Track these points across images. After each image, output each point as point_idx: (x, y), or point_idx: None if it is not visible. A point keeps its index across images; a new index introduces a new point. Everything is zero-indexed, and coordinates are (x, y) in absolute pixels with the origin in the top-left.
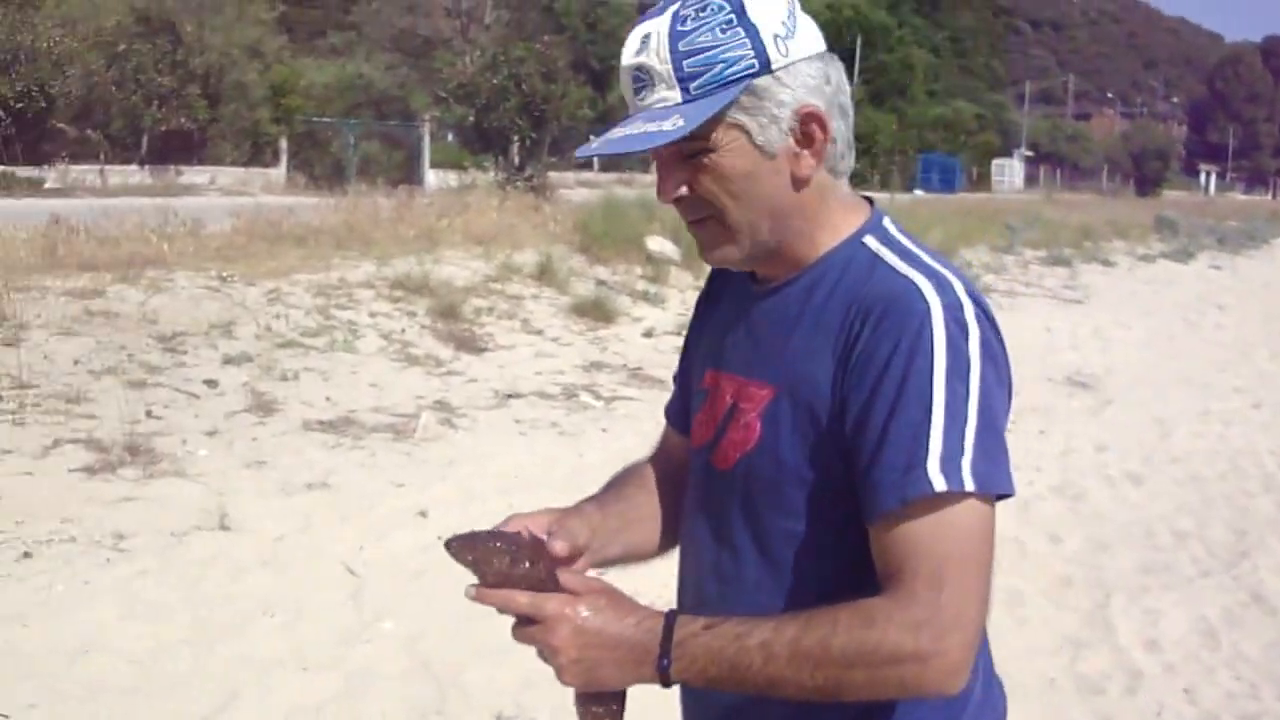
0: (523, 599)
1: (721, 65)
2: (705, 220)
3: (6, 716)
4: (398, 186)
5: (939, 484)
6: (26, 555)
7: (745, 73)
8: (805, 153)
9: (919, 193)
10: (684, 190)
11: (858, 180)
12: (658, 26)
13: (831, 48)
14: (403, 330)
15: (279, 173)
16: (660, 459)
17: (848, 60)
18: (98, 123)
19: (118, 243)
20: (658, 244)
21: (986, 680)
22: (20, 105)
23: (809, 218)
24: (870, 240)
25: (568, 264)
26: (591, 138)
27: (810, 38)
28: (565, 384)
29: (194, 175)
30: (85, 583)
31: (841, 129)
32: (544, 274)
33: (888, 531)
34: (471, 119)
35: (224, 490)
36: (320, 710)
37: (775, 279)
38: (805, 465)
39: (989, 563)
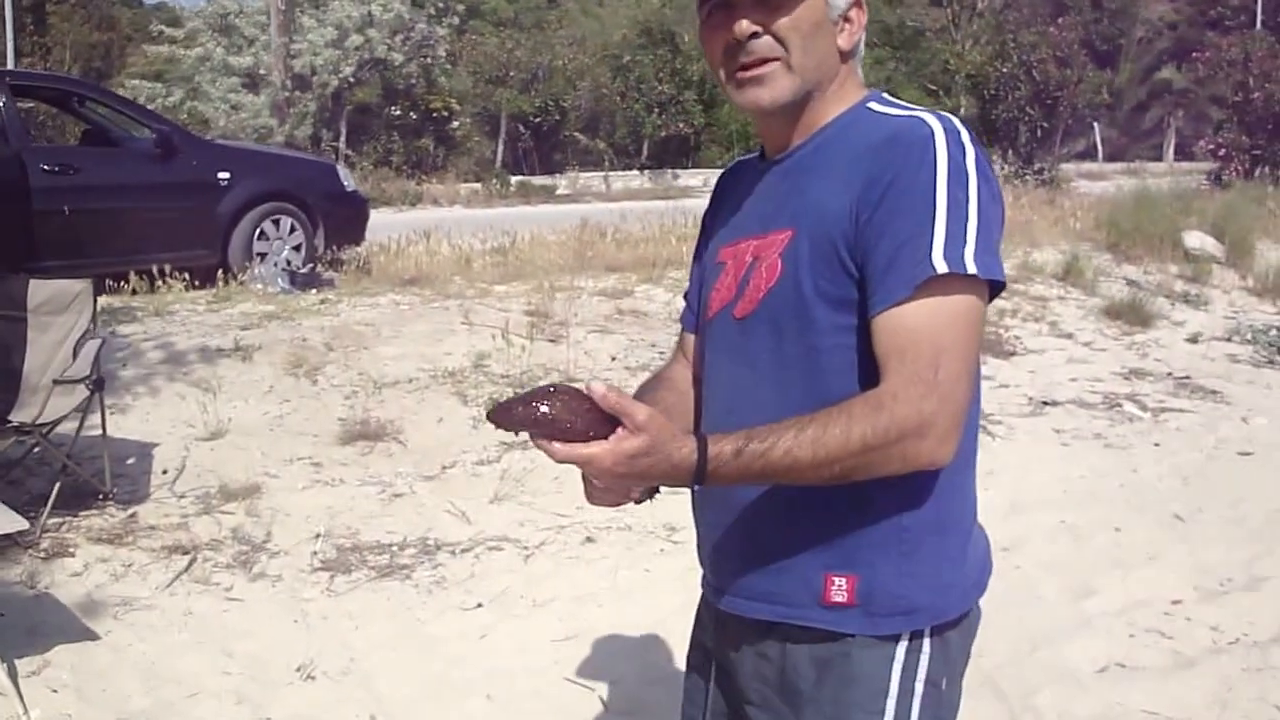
0: (583, 452)
1: None
2: (770, 61)
3: (590, 689)
4: None
5: (941, 267)
6: (589, 540)
7: None
8: (847, 30)
9: None
10: (759, 29)
11: None
12: None
13: None
14: None
15: None
16: (681, 365)
17: None
18: (603, 131)
19: (636, 244)
20: (1197, 240)
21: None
22: (538, 119)
23: (837, 84)
24: (873, 104)
25: (1093, 262)
26: (1095, 125)
27: None
28: (1105, 392)
29: (688, 178)
30: (646, 570)
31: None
32: (1069, 273)
33: (892, 320)
34: (964, 110)
35: None
36: None
37: (786, 148)
38: (830, 285)
39: (976, 352)
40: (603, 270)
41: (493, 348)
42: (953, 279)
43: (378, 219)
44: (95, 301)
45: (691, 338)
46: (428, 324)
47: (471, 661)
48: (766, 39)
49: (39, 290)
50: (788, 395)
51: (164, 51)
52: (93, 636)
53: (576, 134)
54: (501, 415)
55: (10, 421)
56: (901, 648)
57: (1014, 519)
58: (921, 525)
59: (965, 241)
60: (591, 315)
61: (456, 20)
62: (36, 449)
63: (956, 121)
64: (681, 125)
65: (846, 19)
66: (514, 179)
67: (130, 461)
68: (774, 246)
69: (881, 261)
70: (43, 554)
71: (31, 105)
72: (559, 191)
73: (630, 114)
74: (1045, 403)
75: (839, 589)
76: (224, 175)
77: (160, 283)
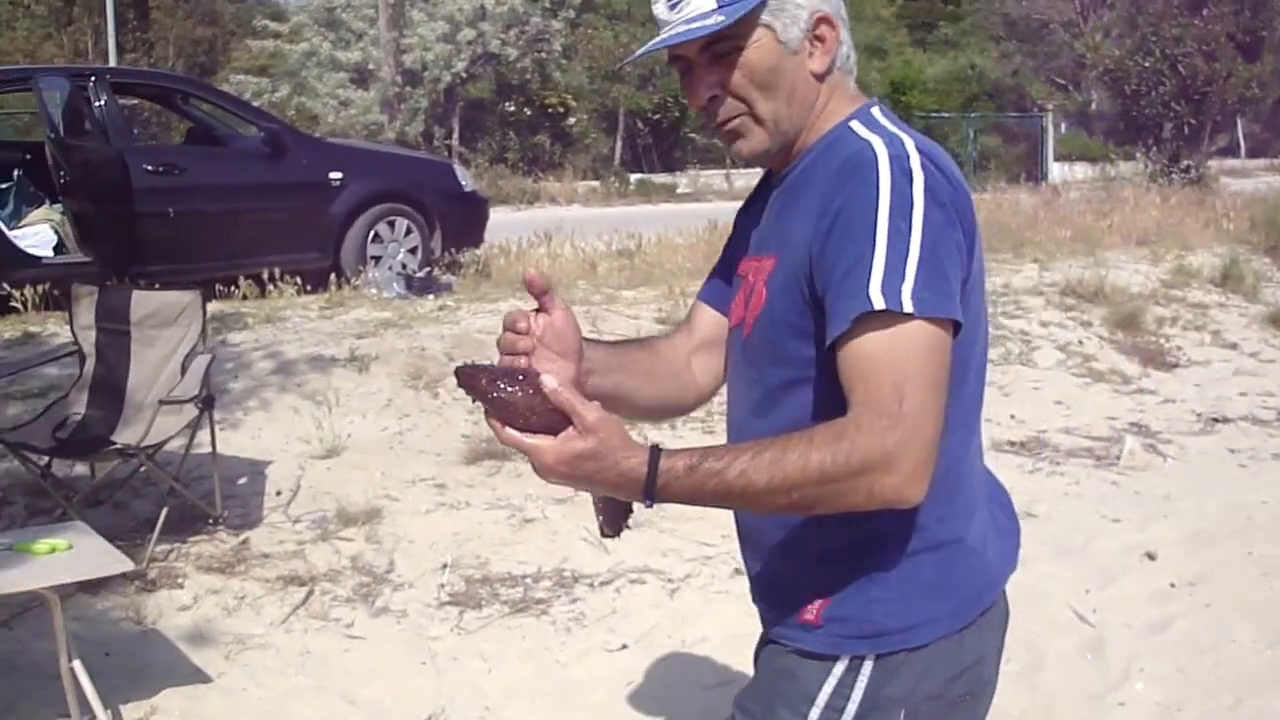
0: (526, 441)
1: None
2: (735, 119)
3: None
4: (1018, 181)
5: (878, 303)
6: (738, 572)
7: None
8: (818, 51)
9: None
10: (717, 91)
11: None
12: None
13: None
14: (1080, 342)
15: None
16: (681, 335)
17: None
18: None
19: None
20: None
21: (981, 535)
22: (657, 117)
23: (819, 109)
24: (854, 123)
25: (1252, 266)
26: (1238, 120)
27: None
28: (1279, 408)
29: None
30: None
31: (845, 35)
32: (1228, 279)
33: (850, 354)
34: (1096, 104)
35: None
36: None
37: (786, 168)
38: (796, 317)
39: (943, 382)
40: None
41: None
42: (893, 314)
43: (495, 219)
44: (205, 314)
45: (703, 306)
46: None
47: (619, 712)
48: (726, 101)
49: (143, 302)
50: (772, 429)
51: (269, 46)
52: (204, 679)
53: (693, 135)
54: (466, 378)
55: (114, 443)
56: (841, 665)
57: (1197, 551)
58: (899, 554)
59: (904, 275)
60: None
61: (572, 14)
62: (141, 470)
63: (909, 145)
64: None
65: (817, 38)
66: (633, 177)
67: (241, 482)
68: (762, 272)
69: (830, 294)
70: (149, 586)
71: (134, 103)
72: (680, 190)
73: None
74: (1216, 419)
75: (810, 609)
76: (336, 175)
77: (271, 287)
